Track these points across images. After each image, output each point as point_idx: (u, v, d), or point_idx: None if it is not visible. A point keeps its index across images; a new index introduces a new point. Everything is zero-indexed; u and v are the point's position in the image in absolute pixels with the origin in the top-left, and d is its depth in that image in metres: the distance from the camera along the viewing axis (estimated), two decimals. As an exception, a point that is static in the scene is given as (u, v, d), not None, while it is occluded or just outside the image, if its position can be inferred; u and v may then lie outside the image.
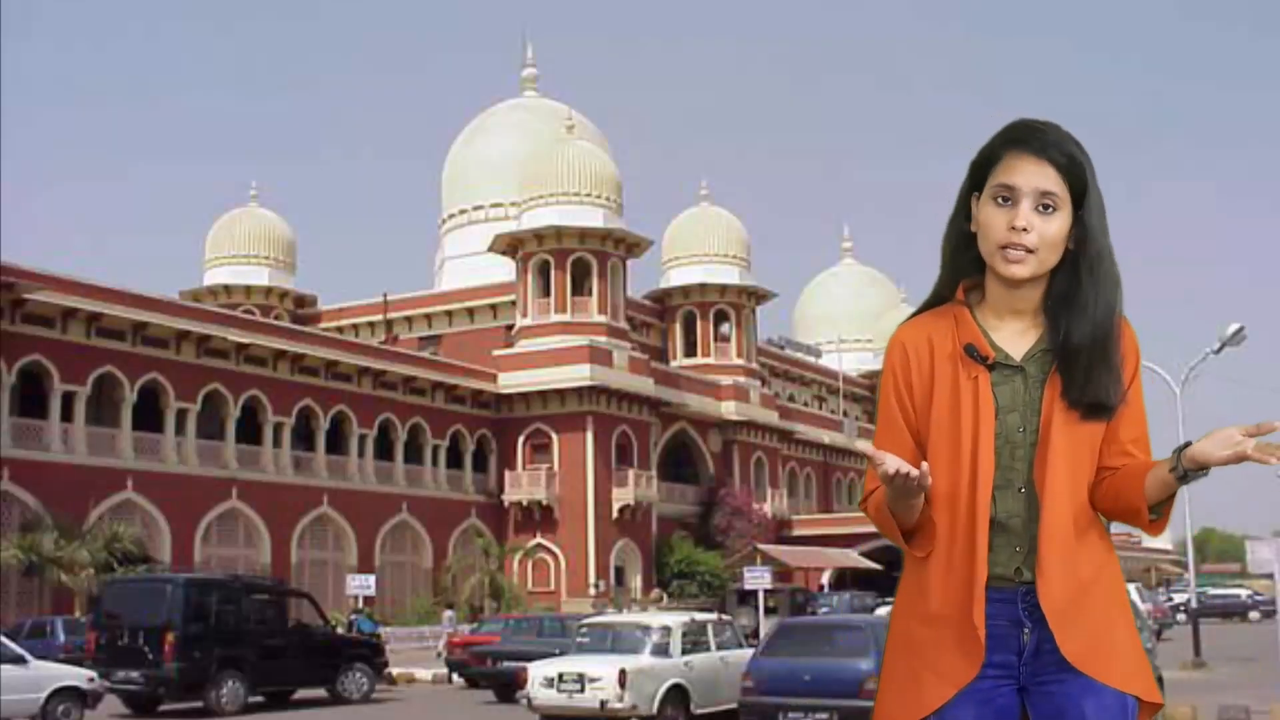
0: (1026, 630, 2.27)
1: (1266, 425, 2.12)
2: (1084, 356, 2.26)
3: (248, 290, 61.50)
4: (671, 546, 52.21)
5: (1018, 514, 2.29)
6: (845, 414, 72.01)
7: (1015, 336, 2.34)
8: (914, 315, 2.44)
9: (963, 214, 2.38)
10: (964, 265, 2.39)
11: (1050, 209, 2.26)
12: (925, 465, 2.20)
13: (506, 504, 50.64)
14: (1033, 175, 2.26)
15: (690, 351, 60.67)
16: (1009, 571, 2.28)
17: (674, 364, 59.10)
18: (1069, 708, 2.24)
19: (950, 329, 2.35)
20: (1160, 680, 2.51)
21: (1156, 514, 2.28)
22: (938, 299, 2.43)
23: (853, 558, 54.56)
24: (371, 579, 33.12)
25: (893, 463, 2.18)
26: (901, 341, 2.40)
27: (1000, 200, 2.28)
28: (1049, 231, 2.25)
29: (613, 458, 51.18)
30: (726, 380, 58.72)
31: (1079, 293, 2.29)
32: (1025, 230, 2.24)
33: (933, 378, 2.35)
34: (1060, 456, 2.27)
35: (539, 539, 50.00)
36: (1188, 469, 2.19)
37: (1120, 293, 2.32)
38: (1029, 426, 2.29)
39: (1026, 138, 2.29)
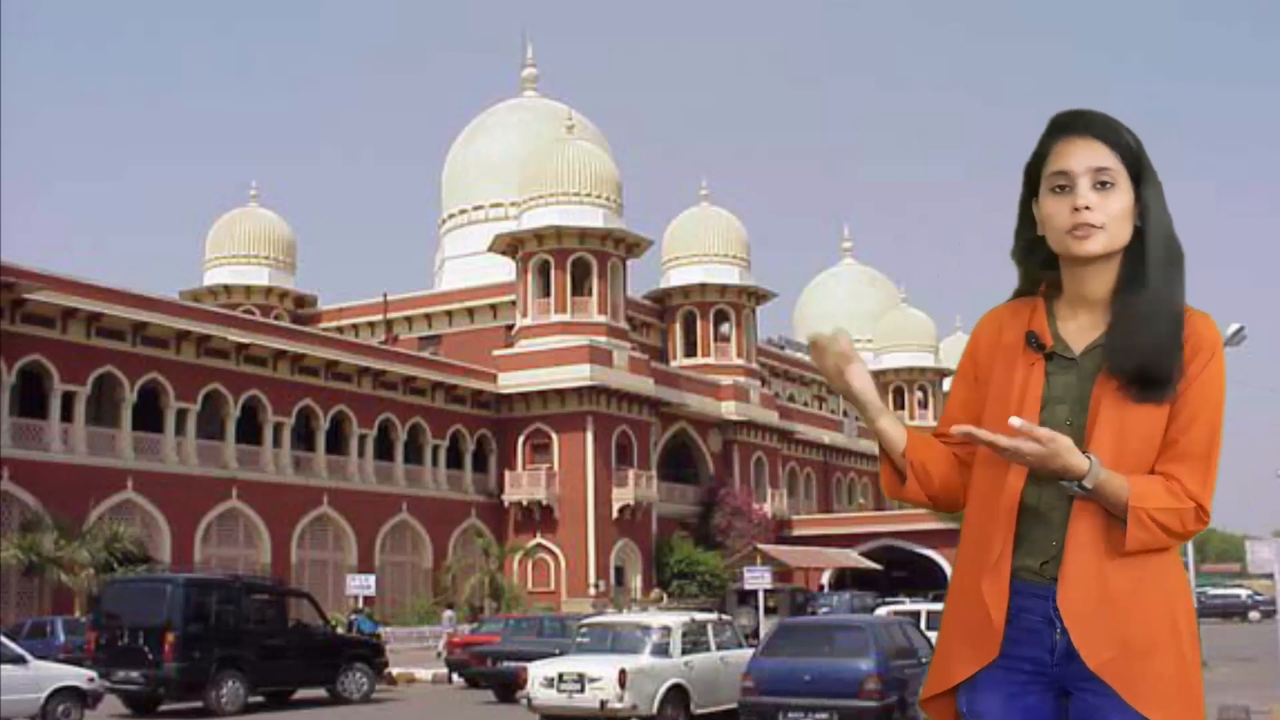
0: (1058, 630, 2.23)
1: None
2: (1136, 324, 2.22)
3: (248, 290, 61.50)
4: (671, 546, 52.18)
5: (1058, 507, 2.25)
6: (845, 414, 72.01)
7: (1083, 330, 2.32)
8: (1001, 304, 2.47)
9: (1025, 220, 2.38)
10: (1035, 270, 2.40)
11: (1109, 185, 2.24)
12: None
13: (506, 504, 50.62)
14: (1084, 155, 2.25)
15: (690, 351, 60.65)
16: (1036, 565, 2.25)
17: (674, 364, 59.09)
18: None
19: (1024, 318, 2.36)
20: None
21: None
22: (1019, 296, 2.44)
23: (853, 558, 54.58)
24: (371, 579, 33.11)
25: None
26: (979, 326, 2.44)
27: (1057, 189, 2.27)
28: (1111, 207, 2.24)
29: (613, 458, 51.16)
30: (726, 380, 58.70)
31: (1144, 270, 2.25)
32: (1088, 208, 2.23)
33: (994, 363, 2.36)
34: (1101, 451, 2.20)
35: (539, 539, 49.98)
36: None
37: (1184, 272, 2.28)
38: (1077, 421, 2.25)
39: (1070, 122, 2.29)
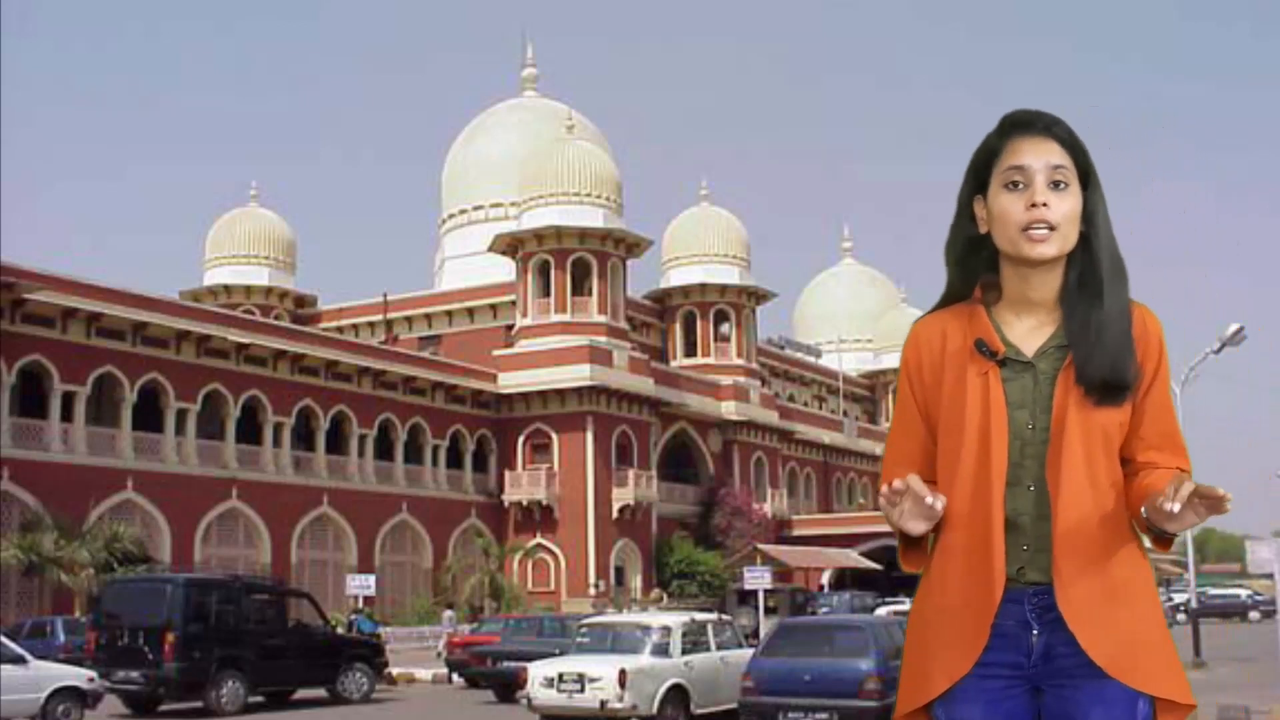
0: (1035, 633, 2.25)
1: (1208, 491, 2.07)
2: (1099, 336, 2.23)
3: (248, 290, 61.52)
4: (671, 546, 52.19)
5: (1026, 512, 2.26)
6: (845, 414, 72.01)
7: (1029, 333, 2.32)
8: (931, 311, 2.43)
9: (965, 218, 2.37)
10: (974, 268, 2.38)
11: (1063, 185, 2.25)
12: (942, 501, 2.20)
13: (506, 504, 50.62)
14: (1041, 152, 2.25)
15: (690, 351, 60.66)
16: (1012, 572, 2.26)
17: (674, 364, 59.09)
18: (1076, 716, 2.23)
19: (964, 325, 2.34)
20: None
21: (1160, 534, 2.25)
22: (950, 300, 2.41)
23: (853, 558, 54.56)
24: (371, 579, 33.10)
25: (915, 484, 2.18)
26: (915, 337, 2.40)
27: (1012, 185, 2.26)
28: (1065, 208, 2.24)
29: (613, 458, 51.16)
30: (726, 380, 58.70)
31: (1094, 275, 2.27)
32: (1045, 205, 2.23)
33: (942, 374, 2.33)
34: (1075, 453, 2.23)
35: (539, 539, 49.98)
36: (1155, 529, 2.21)
37: (1128, 280, 2.31)
38: (1039, 424, 2.26)
39: (1028, 120, 2.29)
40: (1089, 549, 2.22)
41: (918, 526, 2.23)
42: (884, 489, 2.20)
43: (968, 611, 2.25)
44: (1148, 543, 2.32)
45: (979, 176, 2.33)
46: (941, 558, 2.31)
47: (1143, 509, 2.20)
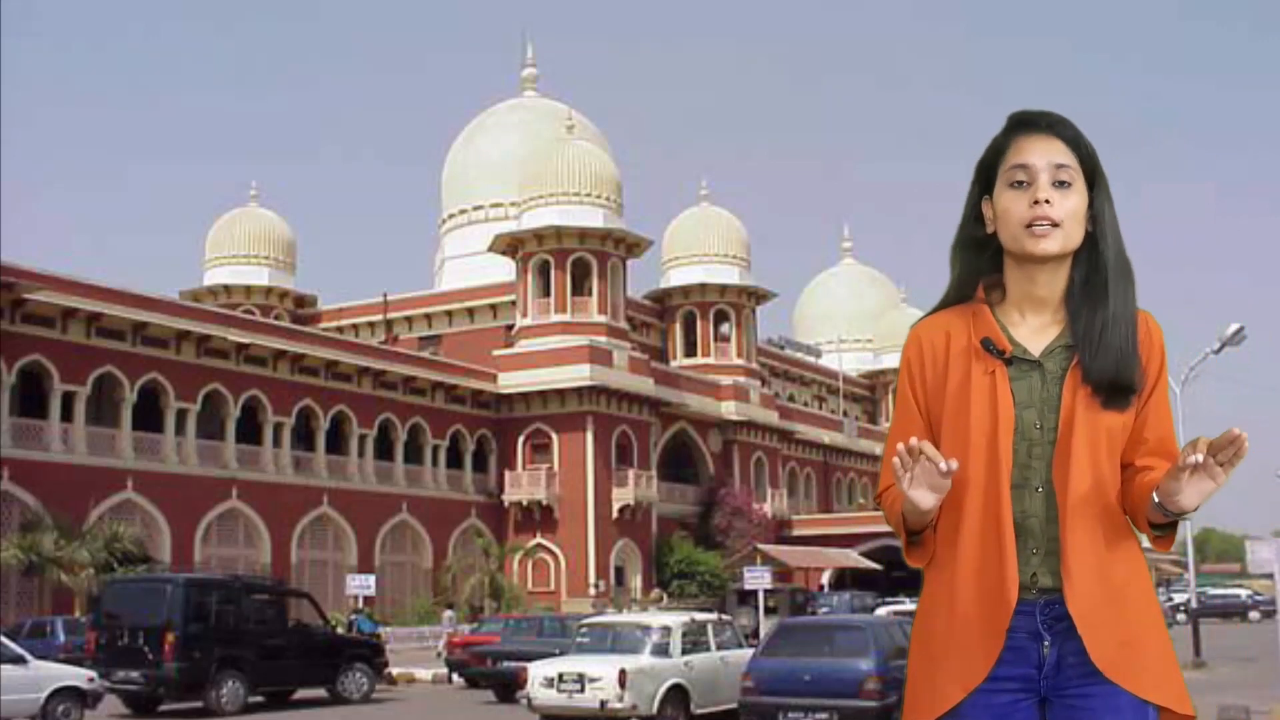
0: (1046, 644, 2.21)
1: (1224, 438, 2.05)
2: (1103, 335, 2.22)
3: (248, 290, 61.51)
4: (671, 546, 52.18)
5: (1035, 514, 2.23)
6: (845, 414, 72.00)
7: (1036, 332, 2.30)
8: (932, 311, 2.41)
9: (972, 218, 2.36)
10: (979, 268, 2.37)
11: (1067, 184, 2.25)
12: (955, 463, 2.11)
13: (506, 504, 50.62)
14: (1044, 150, 2.25)
15: (690, 351, 60.65)
16: (1025, 579, 2.22)
17: (674, 364, 59.08)
18: None
19: (968, 324, 2.32)
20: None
21: (1161, 532, 2.24)
22: (953, 301, 2.39)
23: (853, 558, 54.54)
24: (371, 579, 33.11)
25: (929, 449, 2.11)
26: (918, 336, 2.37)
27: (1016, 184, 2.26)
28: (1069, 205, 2.24)
29: (613, 458, 51.16)
30: (726, 380, 58.70)
31: (1099, 274, 2.26)
32: (1047, 202, 2.22)
33: (947, 372, 2.31)
34: (1082, 455, 2.21)
35: (539, 539, 49.98)
36: (1171, 512, 2.15)
37: (1135, 282, 2.30)
38: (1047, 424, 2.24)
39: (1032, 119, 2.29)
40: (1094, 552, 2.20)
41: (926, 499, 2.15)
42: (899, 447, 2.13)
43: (981, 618, 2.20)
44: (1147, 542, 2.30)
45: (986, 177, 2.33)
46: (948, 563, 2.26)
47: (1153, 494, 2.16)
